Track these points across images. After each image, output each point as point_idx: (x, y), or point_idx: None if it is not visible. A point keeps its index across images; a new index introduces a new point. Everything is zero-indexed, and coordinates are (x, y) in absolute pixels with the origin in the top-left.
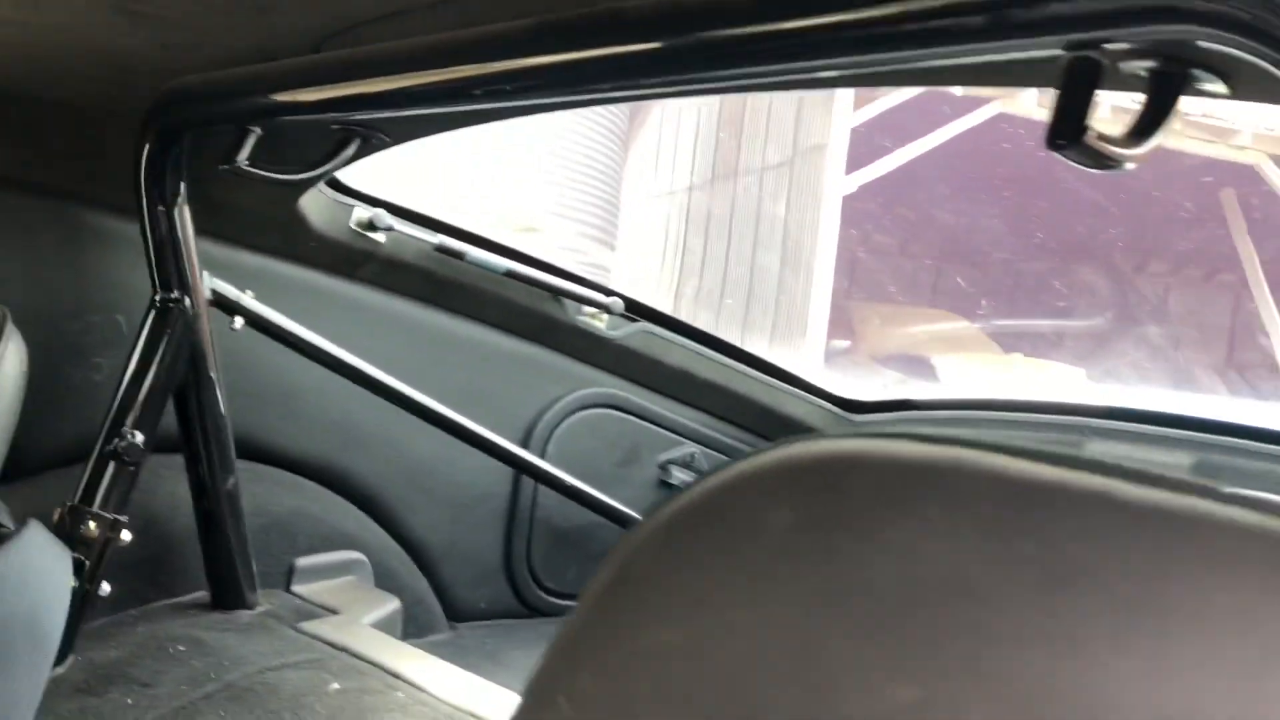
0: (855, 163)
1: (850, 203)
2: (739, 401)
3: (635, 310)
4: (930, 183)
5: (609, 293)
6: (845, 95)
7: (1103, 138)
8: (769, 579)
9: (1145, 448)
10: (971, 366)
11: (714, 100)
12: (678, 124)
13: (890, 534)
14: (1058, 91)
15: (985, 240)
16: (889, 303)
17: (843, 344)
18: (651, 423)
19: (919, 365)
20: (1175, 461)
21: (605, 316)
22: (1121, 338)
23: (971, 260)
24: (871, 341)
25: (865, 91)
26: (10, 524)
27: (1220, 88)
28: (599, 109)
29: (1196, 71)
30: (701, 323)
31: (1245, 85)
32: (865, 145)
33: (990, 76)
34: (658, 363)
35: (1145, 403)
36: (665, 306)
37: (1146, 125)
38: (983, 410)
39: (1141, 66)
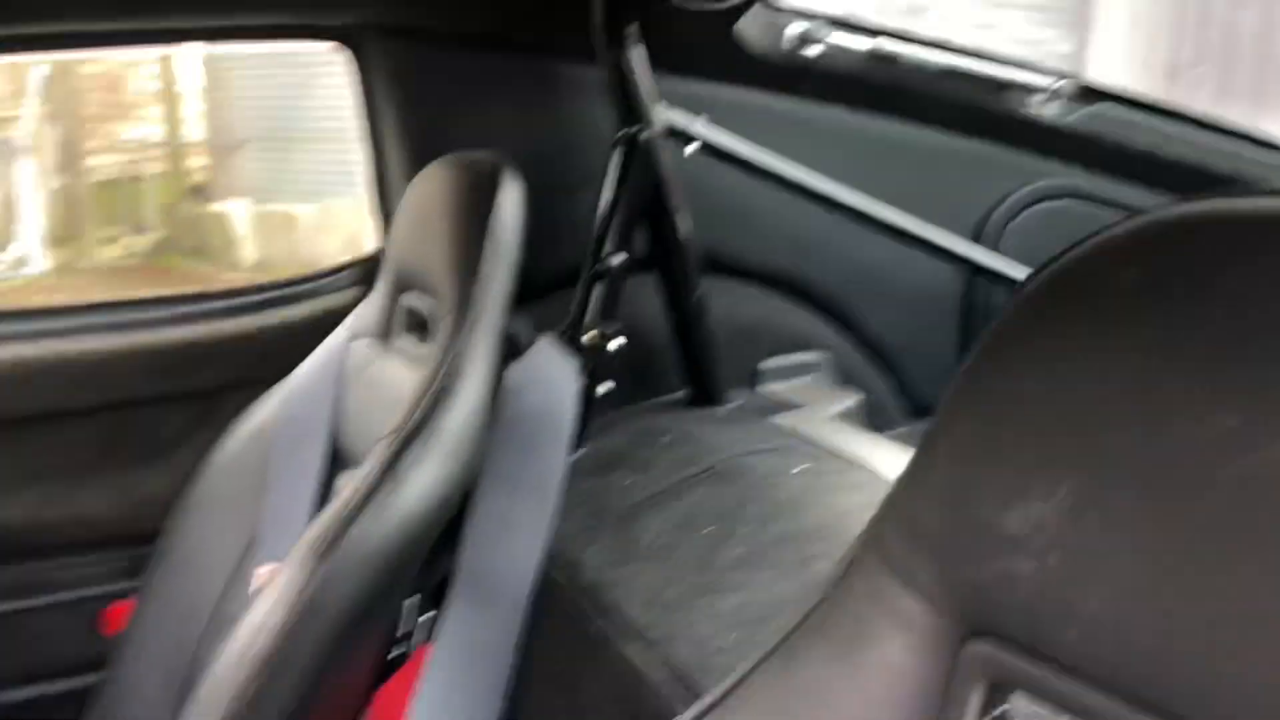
0: None
1: None
2: (1219, 181)
3: (1089, 92)
4: None
5: (1059, 75)
6: None
7: None
8: (1116, 330)
9: None
10: None
11: None
12: None
13: (1225, 282)
14: None
15: None
16: None
17: None
18: (1118, 208)
19: None
20: None
21: (1055, 103)
22: None
23: None
24: None
25: None
26: (530, 337)
27: None
28: None
29: None
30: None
31: None
32: None
33: None
34: (1119, 146)
35: None
36: (1156, 87)
37: None
38: None
39: None
